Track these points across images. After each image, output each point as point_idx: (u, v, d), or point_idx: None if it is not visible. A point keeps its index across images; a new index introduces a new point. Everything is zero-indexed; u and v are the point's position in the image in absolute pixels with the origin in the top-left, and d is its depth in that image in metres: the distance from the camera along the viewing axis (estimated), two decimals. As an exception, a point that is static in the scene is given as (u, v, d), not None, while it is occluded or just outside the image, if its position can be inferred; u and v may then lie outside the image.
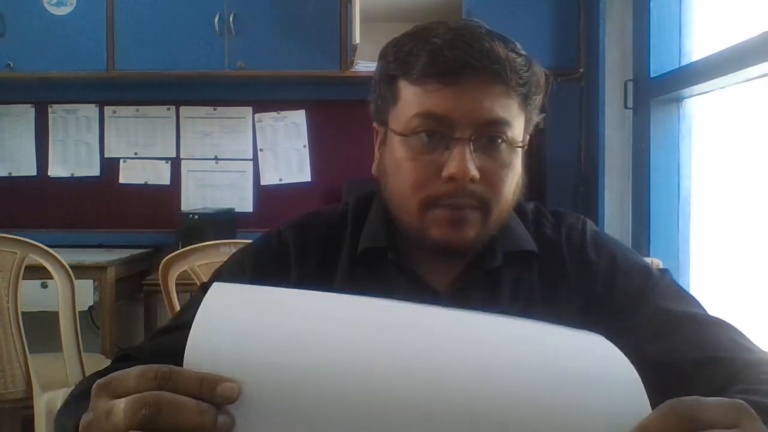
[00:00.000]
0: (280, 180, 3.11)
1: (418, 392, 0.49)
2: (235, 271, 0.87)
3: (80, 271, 2.28)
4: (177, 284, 1.77)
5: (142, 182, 3.11)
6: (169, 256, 1.76)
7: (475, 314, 0.58)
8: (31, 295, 2.33)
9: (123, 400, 0.48)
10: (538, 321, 0.58)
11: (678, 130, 2.40)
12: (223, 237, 2.11)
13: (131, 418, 0.47)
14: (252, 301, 0.55)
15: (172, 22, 2.77)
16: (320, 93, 3.07)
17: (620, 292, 0.83)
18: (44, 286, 2.45)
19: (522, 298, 0.84)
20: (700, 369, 0.71)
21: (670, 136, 2.41)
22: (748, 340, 0.76)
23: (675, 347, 0.75)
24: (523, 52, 0.80)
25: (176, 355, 0.50)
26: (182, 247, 1.83)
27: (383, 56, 0.83)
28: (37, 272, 2.02)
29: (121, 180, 3.11)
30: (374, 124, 0.88)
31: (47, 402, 1.99)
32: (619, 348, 0.55)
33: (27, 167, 3.11)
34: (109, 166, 3.11)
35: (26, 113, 3.11)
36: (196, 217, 2.71)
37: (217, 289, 0.54)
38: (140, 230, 3.06)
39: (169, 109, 3.12)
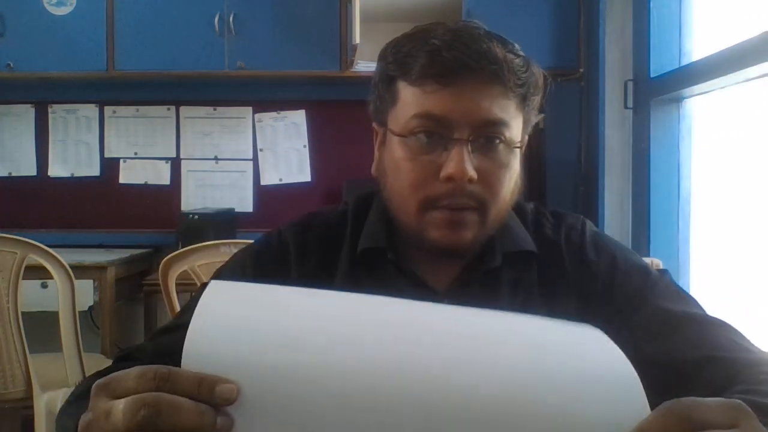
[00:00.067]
0: (280, 180, 3.11)
1: (416, 392, 0.49)
2: (235, 271, 0.87)
3: (80, 271, 2.28)
4: (177, 284, 1.77)
5: (142, 182, 3.11)
6: (169, 256, 1.76)
7: (473, 311, 0.58)
8: (31, 295, 2.33)
9: (122, 400, 0.48)
10: (537, 316, 0.58)
11: (678, 130, 2.40)
12: (223, 237, 2.11)
13: (130, 419, 0.47)
14: (249, 298, 0.54)
15: (172, 22, 2.77)
16: (320, 93, 3.07)
17: (619, 292, 0.83)
18: (44, 286, 2.45)
19: (521, 298, 0.84)
20: (699, 369, 0.71)
21: (670, 136, 2.41)
22: (747, 340, 0.76)
23: (674, 347, 0.75)
24: (521, 53, 0.80)
25: (177, 355, 0.50)
26: (182, 247, 1.83)
27: (382, 57, 0.84)
28: (37, 272, 2.02)
29: (121, 180, 3.11)
30: (374, 125, 0.89)
31: (47, 402, 1.99)
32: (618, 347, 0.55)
33: (27, 167, 3.11)
34: (109, 166, 3.11)
35: (26, 113, 3.11)
36: (196, 217, 2.71)
37: (215, 287, 0.54)
38: (140, 230, 3.06)
39: (169, 109, 3.12)
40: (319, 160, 3.10)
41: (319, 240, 0.88)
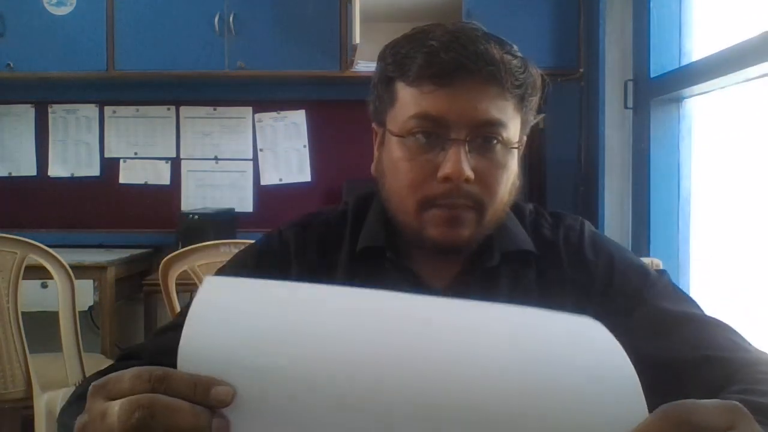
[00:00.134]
0: (280, 180, 3.11)
1: (414, 392, 0.49)
2: (236, 271, 0.88)
3: (80, 271, 2.28)
4: (177, 284, 1.77)
5: (142, 182, 3.11)
6: (169, 256, 1.76)
7: (471, 304, 0.56)
8: (31, 295, 2.33)
9: (117, 402, 0.48)
10: (537, 308, 0.57)
11: (678, 130, 2.40)
12: (223, 237, 2.11)
13: (125, 420, 0.47)
14: (245, 295, 0.53)
15: (172, 22, 2.77)
16: (320, 93, 3.07)
17: (618, 292, 0.83)
18: (44, 286, 2.45)
19: (519, 297, 0.84)
20: (697, 368, 0.72)
21: (670, 136, 2.41)
22: (745, 340, 0.76)
23: (672, 347, 0.75)
24: (519, 54, 0.80)
25: (177, 354, 0.50)
26: (182, 247, 1.83)
27: (381, 58, 0.84)
28: (37, 272, 2.02)
29: (121, 180, 3.11)
30: (373, 125, 0.89)
31: (47, 402, 1.99)
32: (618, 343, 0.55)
33: (27, 167, 3.11)
34: (109, 166, 3.11)
35: (26, 113, 3.11)
36: (196, 217, 2.71)
37: (210, 283, 0.53)
38: (140, 230, 3.07)
39: (169, 109, 3.12)
40: (319, 160, 3.10)
41: (319, 239, 0.88)
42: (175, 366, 0.50)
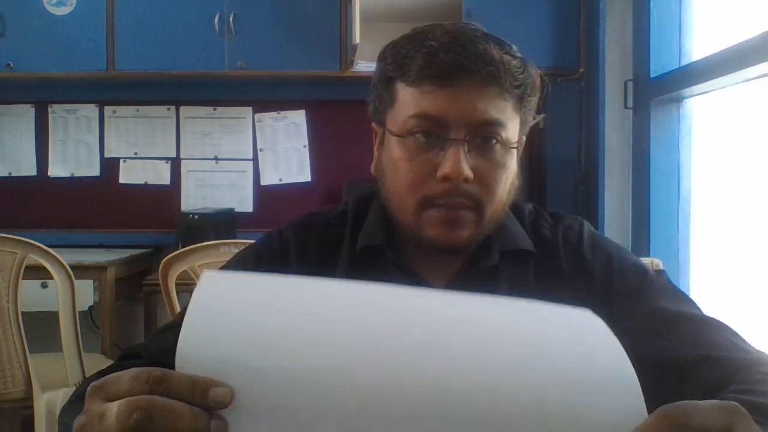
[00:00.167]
0: (280, 180, 3.11)
1: (414, 391, 0.49)
2: (237, 270, 0.88)
3: (80, 271, 2.28)
4: (177, 284, 1.77)
5: (142, 182, 3.11)
6: (169, 256, 1.76)
7: (469, 299, 0.56)
8: (31, 295, 2.33)
9: (115, 403, 0.48)
10: (535, 301, 0.57)
11: (678, 130, 2.40)
12: (223, 237, 2.11)
13: (123, 422, 0.47)
14: (243, 292, 0.53)
15: (172, 22, 2.77)
16: (320, 93, 3.07)
17: (616, 292, 0.83)
18: (44, 286, 2.45)
19: (518, 296, 0.84)
20: (696, 368, 0.72)
21: (670, 136, 2.41)
22: (744, 340, 0.76)
23: (670, 346, 0.75)
24: (518, 55, 0.81)
25: None
26: (182, 247, 1.83)
27: (381, 58, 0.84)
28: (37, 272, 2.02)
29: (121, 180, 3.11)
30: (373, 125, 0.89)
31: (47, 402, 1.99)
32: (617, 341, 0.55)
33: (27, 167, 3.11)
34: (109, 166, 3.11)
35: (26, 113, 3.11)
36: (196, 217, 2.71)
37: (208, 279, 0.52)
38: (140, 230, 3.07)
39: (169, 109, 3.12)
40: (319, 160, 3.10)
41: (319, 239, 0.89)
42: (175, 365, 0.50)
